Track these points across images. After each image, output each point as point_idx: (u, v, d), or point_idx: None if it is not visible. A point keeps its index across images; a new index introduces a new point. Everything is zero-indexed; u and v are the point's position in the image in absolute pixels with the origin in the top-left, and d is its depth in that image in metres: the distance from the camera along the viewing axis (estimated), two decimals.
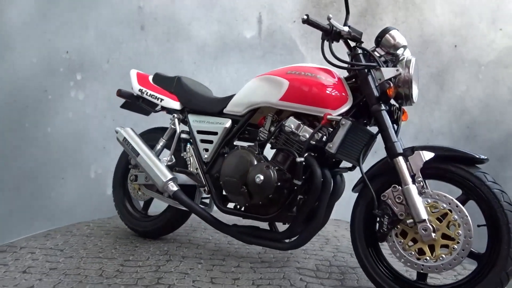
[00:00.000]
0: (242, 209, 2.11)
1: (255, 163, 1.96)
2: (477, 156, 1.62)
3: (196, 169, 2.26)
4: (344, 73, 1.93)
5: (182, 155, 2.34)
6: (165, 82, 2.44)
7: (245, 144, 2.14)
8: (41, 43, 3.63)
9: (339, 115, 1.80)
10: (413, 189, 1.63)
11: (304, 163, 1.84)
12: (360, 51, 1.84)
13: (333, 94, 1.82)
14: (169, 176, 2.24)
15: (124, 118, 3.54)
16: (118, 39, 3.61)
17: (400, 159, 1.67)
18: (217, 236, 2.63)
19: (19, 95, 3.63)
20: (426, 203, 1.64)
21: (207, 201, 2.44)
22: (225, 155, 2.14)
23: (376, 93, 1.76)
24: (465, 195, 1.65)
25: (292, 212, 1.94)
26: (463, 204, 1.63)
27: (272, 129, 2.00)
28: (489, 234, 1.60)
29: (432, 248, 1.63)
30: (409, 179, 1.64)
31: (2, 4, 3.64)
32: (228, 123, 2.17)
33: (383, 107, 1.74)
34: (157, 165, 2.28)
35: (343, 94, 1.83)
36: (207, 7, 3.56)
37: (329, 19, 1.78)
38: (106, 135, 3.60)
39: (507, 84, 3.15)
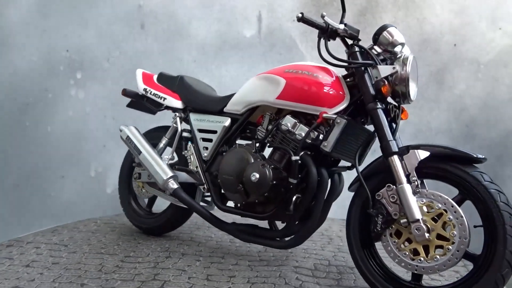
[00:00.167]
0: (239, 207, 2.10)
1: (252, 161, 1.96)
2: (475, 155, 1.59)
3: (196, 167, 2.28)
4: (343, 72, 1.92)
5: (183, 153, 2.37)
6: (168, 82, 2.47)
7: (247, 143, 2.15)
8: (41, 42, 3.65)
9: (335, 113, 1.79)
10: (407, 188, 1.60)
11: (300, 161, 1.84)
12: (357, 49, 1.82)
13: (329, 92, 1.81)
14: (170, 174, 2.26)
15: (124, 116, 3.56)
16: (118, 37, 3.62)
17: (395, 158, 1.65)
18: (220, 234, 2.64)
19: (19, 94, 3.65)
20: (421, 202, 1.61)
21: (209, 199, 2.45)
22: (224, 154, 2.15)
23: (372, 91, 1.74)
24: (462, 195, 1.62)
25: (290, 211, 1.93)
26: (460, 204, 1.60)
27: (270, 127, 2.00)
28: (485, 235, 1.57)
29: (427, 249, 1.61)
30: (404, 179, 1.62)
31: (3, 3, 3.66)
32: (227, 121, 2.18)
33: (379, 105, 1.72)
34: (158, 163, 2.30)
35: (341, 92, 1.82)
36: (207, 5, 3.56)
37: (323, 17, 1.78)
38: (106, 134, 3.62)
39: (506, 83, 3.14)
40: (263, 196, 1.91)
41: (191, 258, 2.18)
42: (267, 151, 2.06)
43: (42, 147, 3.64)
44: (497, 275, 1.49)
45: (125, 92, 2.55)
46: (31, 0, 3.65)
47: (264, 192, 1.88)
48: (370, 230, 1.70)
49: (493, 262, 1.51)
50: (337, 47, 1.88)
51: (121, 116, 3.58)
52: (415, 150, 1.64)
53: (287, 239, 2.01)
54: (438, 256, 1.58)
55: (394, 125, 1.77)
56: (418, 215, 1.58)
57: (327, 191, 1.90)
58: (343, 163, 1.99)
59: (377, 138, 1.75)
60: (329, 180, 1.92)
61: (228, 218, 2.32)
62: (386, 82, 1.71)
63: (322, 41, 1.83)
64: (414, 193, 1.62)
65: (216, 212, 2.24)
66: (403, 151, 1.66)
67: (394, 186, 1.64)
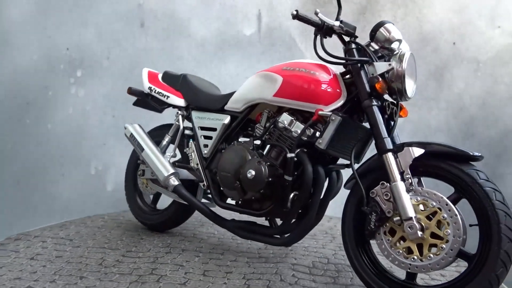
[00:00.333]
0: (238, 203, 2.11)
1: (249, 158, 1.97)
2: (471, 153, 1.56)
3: (197, 164, 2.30)
4: (342, 69, 1.91)
5: (185, 150, 2.40)
6: (172, 80, 2.51)
7: (245, 140, 2.16)
8: (41, 40, 3.66)
9: (332, 111, 1.78)
10: (400, 186, 1.58)
11: (296, 159, 1.84)
12: (353, 45, 1.81)
13: (326, 90, 1.81)
14: (171, 170, 2.28)
15: (124, 114, 3.57)
16: (118, 36, 3.63)
17: (389, 155, 1.63)
18: (223, 231, 2.65)
19: (19, 92, 3.67)
20: (416, 201, 1.59)
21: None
22: (223, 151, 2.16)
23: (367, 88, 1.73)
24: (458, 193, 1.60)
25: (287, 208, 1.92)
26: (456, 203, 1.58)
27: (268, 125, 2.00)
28: (481, 234, 1.52)
29: (421, 247, 1.58)
30: (398, 176, 1.60)
31: (3, 1, 3.67)
32: (227, 119, 2.20)
33: (374, 102, 1.71)
34: (160, 159, 2.33)
35: (338, 90, 1.81)
36: (207, 4, 3.57)
37: (316, 14, 1.77)
38: (106, 132, 3.63)
39: (505, 82, 3.13)
40: (259, 192, 1.91)
41: (191, 254, 2.20)
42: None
43: (42, 145, 3.65)
44: (491, 275, 1.46)
45: (131, 91, 2.58)
46: None
47: (260, 189, 1.89)
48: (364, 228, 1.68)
49: (487, 261, 1.48)
50: (336, 45, 1.88)
51: (121, 114, 3.60)
52: (410, 148, 1.62)
53: (284, 236, 2.00)
54: (431, 255, 1.55)
55: (392, 123, 1.76)
56: (411, 213, 1.56)
57: (324, 189, 1.90)
58: (341, 161, 1.98)
59: None
60: (327, 178, 1.92)
61: (231, 215, 2.32)
62: (380, 79, 1.70)
63: (319, 38, 1.83)
64: (408, 190, 1.60)
65: (218, 209, 2.25)
66: (398, 149, 1.65)
67: (388, 184, 1.62)
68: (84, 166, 3.65)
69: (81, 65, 3.64)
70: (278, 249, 2.34)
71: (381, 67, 1.73)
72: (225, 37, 3.56)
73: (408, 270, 1.62)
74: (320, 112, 1.78)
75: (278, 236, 2.01)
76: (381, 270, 1.76)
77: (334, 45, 1.86)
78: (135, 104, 2.70)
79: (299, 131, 1.84)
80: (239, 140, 2.21)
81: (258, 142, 2.07)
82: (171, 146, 2.48)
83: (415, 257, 1.59)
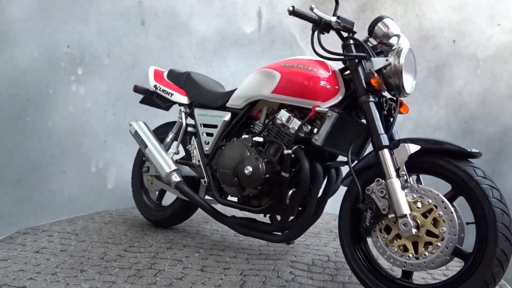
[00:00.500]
0: (238, 200, 2.12)
1: (247, 155, 1.97)
2: (468, 150, 1.52)
3: (199, 161, 2.32)
4: (341, 66, 1.90)
5: (187, 147, 2.42)
6: (176, 78, 2.54)
7: (245, 137, 2.16)
8: (42, 38, 3.67)
9: (328, 107, 1.77)
10: (396, 182, 1.56)
11: (293, 155, 1.83)
12: (351, 41, 1.80)
13: (324, 86, 1.80)
14: (173, 167, 2.30)
15: (125, 112, 3.58)
16: (119, 33, 3.64)
17: (385, 151, 1.61)
18: (227, 228, 2.63)
19: (20, 89, 3.68)
20: (412, 198, 1.57)
21: None
22: (223, 148, 2.17)
23: (364, 84, 1.71)
24: (454, 191, 1.57)
25: (285, 205, 1.92)
26: (453, 200, 1.55)
27: (266, 122, 2.00)
28: (477, 232, 1.49)
29: (416, 245, 1.56)
30: (393, 173, 1.58)
31: None
32: (227, 116, 2.21)
33: (371, 98, 1.69)
34: (163, 156, 2.35)
35: (336, 86, 1.80)
36: (207, 1, 3.57)
37: (311, 9, 1.76)
38: (107, 129, 3.64)
39: (505, 79, 3.13)
40: (256, 189, 1.92)
41: (191, 250, 2.22)
42: None
43: (43, 142, 3.67)
44: (487, 274, 1.43)
45: (136, 89, 2.62)
46: None
47: (257, 186, 1.89)
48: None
49: (484, 260, 1.44)
50: (336, 41, 1.87)
51: (122, 112, 3.61)
52: (406, 144, 1.59)
53: (284, 233, 2.00)
54: (426, 253, 1.53)
55: (391, 119, 1.76)
56: (405, 210, 1.54)
57: (322, 186, 1.90)
58: (340, 158, 1.97)
59: None
60: (326, 175, 1.92)
61: (232, 212, 2.33)
62: (376, 75, 1.68)
63: (316, 34, 1.82)
64: (403, 187, 1.57)
65: (221, 206, 2.26)
66: (393, 145, 1.62)
67: (384, 181, 1.60)
68: (84, 164, 3.66)
69: (82, 63, 3.66)
70: (279, 247, 2.35)
71: (378, 62, 1.72)
72: (225, 35, 3.57)
73: (403, 268, 1.60)
74: (317, 109, 1.78)
75: (279, 233, 2.02)
76: (377, 268, 1.74)
77: (334, 41, 1.85)
78: (141, 102, 2.72)
79: (296, 128, 1.84)
80: (243, 136, 2.22)
81: (259, 139, 2.06)
82: (175, 143, 2.50)
83: (410, 255, 1.56)
